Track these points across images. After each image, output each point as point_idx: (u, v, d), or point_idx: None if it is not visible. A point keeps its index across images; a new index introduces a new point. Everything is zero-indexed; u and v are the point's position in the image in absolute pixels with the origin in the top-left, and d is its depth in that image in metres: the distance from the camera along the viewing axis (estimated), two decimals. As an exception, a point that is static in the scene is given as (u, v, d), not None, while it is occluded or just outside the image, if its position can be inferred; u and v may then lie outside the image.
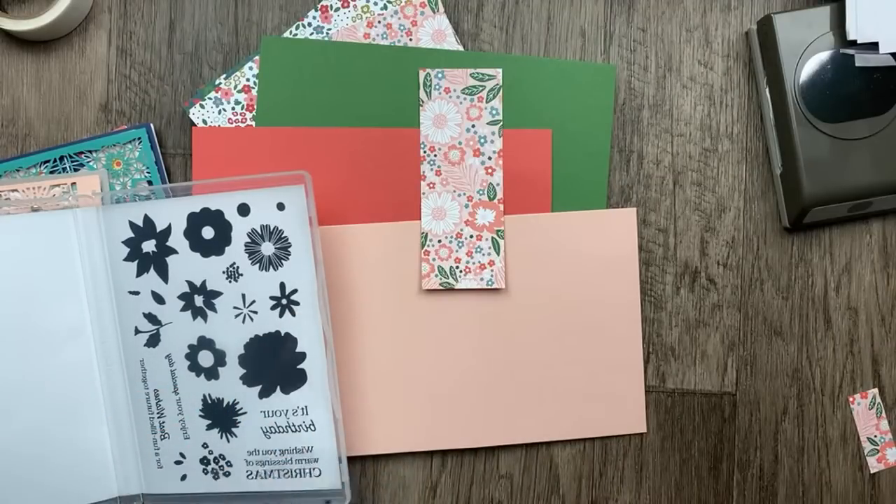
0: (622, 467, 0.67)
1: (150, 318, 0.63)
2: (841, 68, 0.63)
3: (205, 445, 0.63)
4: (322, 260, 0.61)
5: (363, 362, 0.66)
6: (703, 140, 0.67)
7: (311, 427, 0.62)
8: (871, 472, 0.68)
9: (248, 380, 0.62)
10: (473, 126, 0.66)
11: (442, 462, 0.67)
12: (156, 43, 0.67)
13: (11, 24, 0.65)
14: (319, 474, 0.63)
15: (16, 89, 0.67)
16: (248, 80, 0.66)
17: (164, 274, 0.62)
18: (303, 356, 0.62)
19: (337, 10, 0.66)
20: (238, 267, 0.61)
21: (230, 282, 0.61)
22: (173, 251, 0.61)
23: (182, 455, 0.64)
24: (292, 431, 0.62)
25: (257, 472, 0.63)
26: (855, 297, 0.67)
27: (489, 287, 0.66)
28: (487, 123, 0.66)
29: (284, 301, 0.61)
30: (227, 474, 0.64)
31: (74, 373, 0.63)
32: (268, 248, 0.61)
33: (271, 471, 0.63)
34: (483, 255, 0.66)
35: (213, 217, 0.61)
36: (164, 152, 0.67)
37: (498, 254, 0.66)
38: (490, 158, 0.66)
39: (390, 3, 0.66)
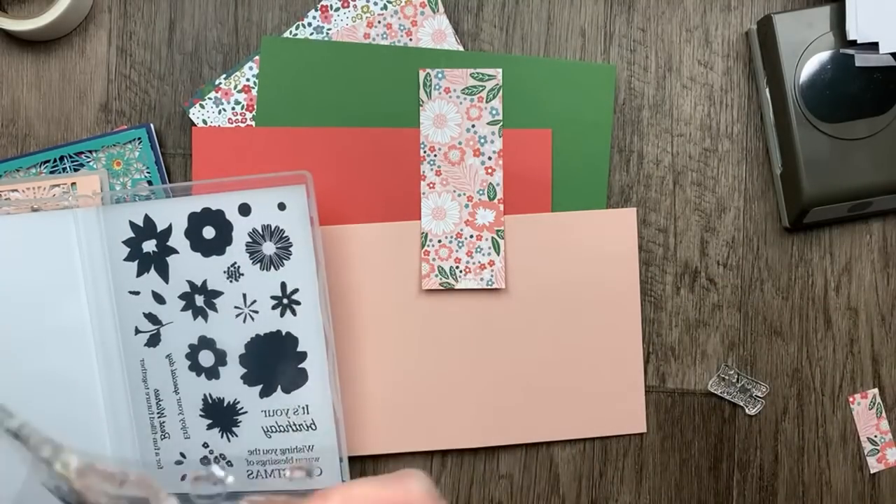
0: (622, 467, 0.67)
1: (151, 317, 0.63)
2: (841, 68, 0.63)
3: (205, 445, 0.63)
4: (323, 260, 0.61)
5: (363, 362, 0.66)
6: (703, 140, 0.67)
7: (312, 426, 0.62)
8: (871, 472, 0.68)
9: (248, 379, 0.62)
10: (473, 126, 0.66)
11: (442, 462, 0.67)
12: (156, 43, 0.67)
13: (11, 24, 0.65)
14: (320, 473, 0.63)
15: (16, 89, 0.67)
16: (248, 80, 0.66)
17: (164, 274, 0.62)
18: (304, 356, 0.62)
19: (337, 10, 0.66)
20: (239, 267, 0.61)
21: (231, 281, 0.61)
22: (174, 251, 0.61)
23: (182, 455, 0.64)
24: (293, 431, 0.62)
25: (258, 471, 0.63)
26: (855, 297, 0.67)
27: (489, 287, 0.66)
28: (487, 123, 0.66)
29: (285, 301, 0.61)
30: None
31: (74, 373, 0.63)
32: (269, 248, 0.61)
33: (272, 470, 0.63)
34: (483, 255, 0.66)
35: (214, 217, 0.61)
36: (164, 152, 0.67)
37: (498, 254, 0.66)
38: (490, 158, 0.66)
39: (390, 3, 0.66)
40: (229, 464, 0.63)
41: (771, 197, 0.68)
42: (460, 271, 0.66)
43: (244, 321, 0.62)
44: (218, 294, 0.62)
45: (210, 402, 0.63)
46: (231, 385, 0.62)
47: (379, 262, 0.66)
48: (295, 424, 0.62)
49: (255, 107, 0.66)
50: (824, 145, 0.63)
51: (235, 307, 0.62)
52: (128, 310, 0.63)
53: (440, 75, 0.66)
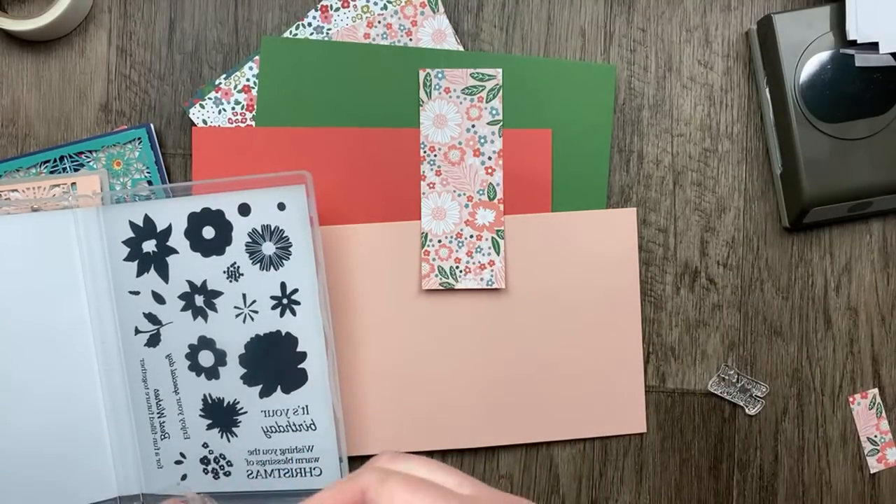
0: (622, 467, 0.67)
1: (151, 317, 0.63)
2: (841, 68, 0.63)
3: (205, 445, 0.63)
4: (323, 260, 0.61)
5: (363, 362, 0.66)
6: (703, 140, 0.67)
7: (312, 426, 0.62)
8: (871, 472, 0.68)
9: (248, 379, 0.62)
10: (473, 126, 0.66)
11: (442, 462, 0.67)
12: (156, 43, 0.67)
13: (11, 24, 0.65)
14: (320, 474, 0.63)
15: (16, 89, 0.67)
16: (248, 80, 0.66)
17: (164, 274, 0.62)
18: (303, 356, 0.62)
19: (337, 10, 0.66)
20: (239, 267, 0.61)
21: (231, 281, 0.61)
22: (174, 251, 0.61)
23: (182, 455, 0.64)
24: (293, 431, 0.63)
25: (258, 471, 0.63)
26: (855, 297, 0.67)
27: (489, 287, 0.66)
28: (487, 123, 0.66)
29: (285, 301, 0.61)
30: (227, 474, 0.64)
31: (74, 373, 0.63)
32: (268, 248, 0.61)
33: (272, 470, 0.63)
34: (483, 255, 0.66)
35: (214, 217, 0.61)
36: (164, 152, 0.67)
37: (498, 254, 0.66)
38: (490, 158, 0.66)
39: (390, 3, 0.66)
40: (229, 463, 0.63)
41: (771, 197, 0.68)
42: (460, 271, 0.66)
43: (244, 321, 0.62)
44: (218, 294, 0.62)
45: (210, 402, 0.63)
46: (231, 385, 0.62)
47: (379, 262, 0.66)
48: (295, 424, 0.62)
49: (255, 107, 0.66)
50: (824, 145, 0.63)
51: (235, 307, 0.62)
52: (128, 310, 0.63)
53: (440, 75, 0.66)
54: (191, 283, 0.62)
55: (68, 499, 0.63)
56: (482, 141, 0.66)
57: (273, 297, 0.61)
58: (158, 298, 0.62)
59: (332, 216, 0.66)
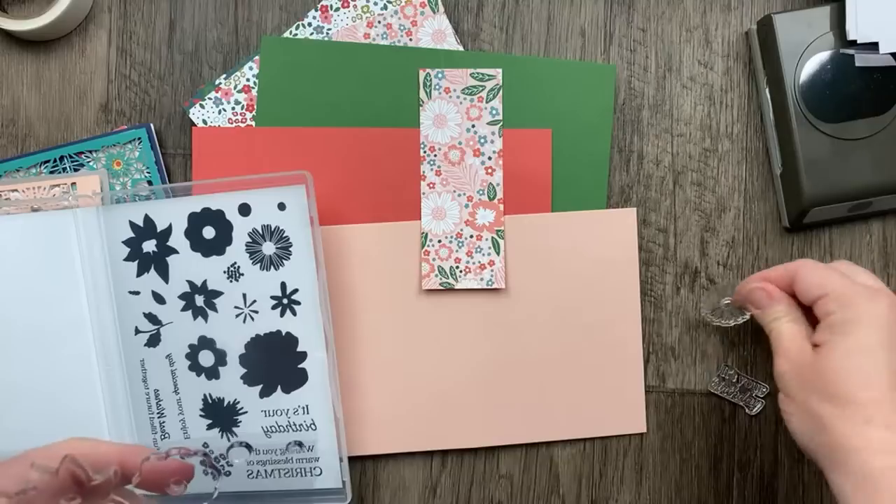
0: (622, 467, 0.67)
1: (151, 317, 0.63)
2: (841, 68, 0.63)
3: (205, 445, 0.63)
4: (323, 260, 0.61)
5: (363, 362, 0.66)
6: (703, 140, 0.67)
7: (312, 426, 0.62)
8: (871, 471, 0.67)
9: (248, 379, 0.62)
10: (473, 126, 0.66)
11: (442, 462, 0.67)
12: (156, 43, 0.67)
13: (11, 24, 0.65)
14: (320, 473, 0.63)
15: (16, 89, 0.67)
16: (248, 80, 0.66)
17: (164, 274, 0.62)
18: (303, 356, 0.62)
19: (337, 10, 0.66)
20: (239, 267, 0.61)
21: (231, 281, 0.61)
22: (174, 251, 0.61)
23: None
24: (293, 431, 0.63)
25: (258, 471, 0.63)
26: (855, 296, 0.67)
27: (489, 287, 0.66)
28: (487, 123, 0.66)
29: (285, 301, 0.61)
30: (227, 474, 0.64)
31: (74, 373, 0.63)
32: (269, 248, 0.61)
33: (272, 470, 0.63)
34: (483, 255, 0.66)
35: (214, 217, 0.61)
36: (164, 152, 0.67)
37: (498, 254, 0.66)
38: (490, 158, 0.66)
39: (390, 3, 0.66)
40: (229, 463, 0.63)
41: (771, 197, 0.68)
42: (460, 271, 0.66)
43: (244, 321, 0.62)
44: (218, 294, 0.62)
45: (210, 402, 0.63)
46: (231, 385, 0.62)
47: (379, 262, 0.66)
48: (295, 424, 0.62)
49: (255, 107, 0.66)
50: (824, 145, 0.63)
51: (235, 307, 0.62)
52: (128, 310, 0.63)
53: (440, 75, 0.66)
54: (191, 283, 0.62)
55: (68, 499, 0.63)
56: (482, 141, 0.66)
57: (273, 297, 0.61)
58: (158, 298, 0.62)
59: (332, 216, 0.66)
